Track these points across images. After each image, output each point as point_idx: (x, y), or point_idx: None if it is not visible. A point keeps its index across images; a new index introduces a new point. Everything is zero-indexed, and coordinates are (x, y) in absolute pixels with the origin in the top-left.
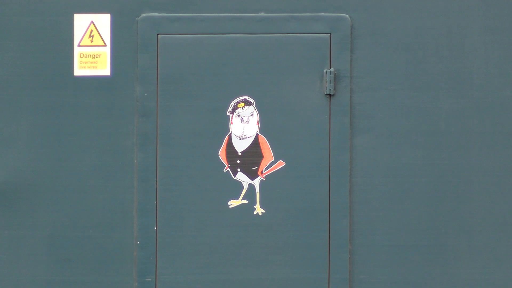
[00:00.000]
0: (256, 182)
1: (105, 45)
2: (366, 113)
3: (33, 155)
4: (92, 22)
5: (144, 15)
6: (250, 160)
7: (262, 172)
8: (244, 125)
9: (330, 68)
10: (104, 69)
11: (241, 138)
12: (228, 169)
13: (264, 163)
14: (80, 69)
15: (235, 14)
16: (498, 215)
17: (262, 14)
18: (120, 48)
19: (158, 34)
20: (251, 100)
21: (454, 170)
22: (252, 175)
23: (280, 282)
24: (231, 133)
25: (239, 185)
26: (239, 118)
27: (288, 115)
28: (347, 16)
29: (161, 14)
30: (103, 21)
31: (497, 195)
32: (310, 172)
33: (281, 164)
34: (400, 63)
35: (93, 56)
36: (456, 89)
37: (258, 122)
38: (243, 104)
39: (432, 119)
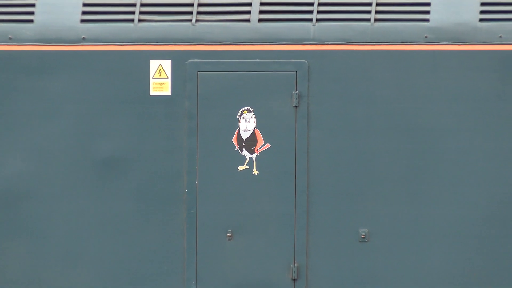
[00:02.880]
0: (254, 156)
1: (168, 77)
2: (317, 117)
3: (126, 143)
4: (160, 64)
5: (190, 60)
6: (250, 143)
7: (257, 150)
8: (247, 124)
9: (296, 91)
10: (167, 91)
11: (245, 131)
12: (238, 148)
13: (258, 145)
14: (153, 91)
15: (241, 60)
16: (391, 174)
17: (257, 60)
18: (176, 79)
19: (198, 72)
20: (251, 109)
21: (364, 152)
22: (251, 152)
23: (267, 213)
24: (239, 128)
25: (244, 158)
26: (244, 119)
27: (272, 118)
28: (306, 61)
29: (200, 60)
30: (166, 64)
31: (394, 166)
32: (284, 151)
33: (267, 146)
34: (336, 88)
35: (161, 84)
36: (368, 102)
37: (255, 122)
38: (246, 111)
39: (353, 120)
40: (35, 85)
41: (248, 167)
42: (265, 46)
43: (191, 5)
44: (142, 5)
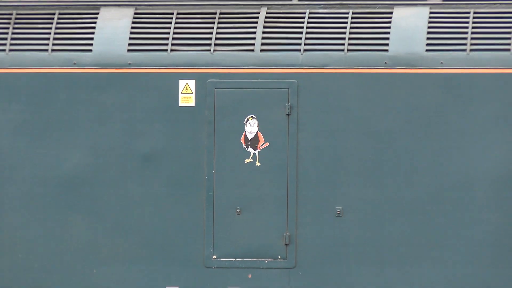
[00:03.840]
0: (256, 152)
1: (192, 93)
2: (304, 123)
3: (161, 142)
4: (187, 83)
5: (209, 80)
6: (254, 142)
7: (259, 147)
8: (252, 127)
9: (288, 103)
10: (191, 103)
11: (250, 133)
12: (244, 146)
13: (260, 143)
14: (181, 103)
15: (247, 80)
16: (359, 165)
17: (259, 80)
18: (199, 94)
19: (215, 88)
20: (255, 116)
21: (339, 149)
22: (255, 148)
23: (267, 195)
24: (245, 131)
25: (249, 153)
26: (249, 124)
27: (270, 123)
28: (295, 81)
29: (216, 80)
30: (191, 83)
31: (361, 160)
32: (280, 148)
33: (267, 144)
34: (319, 101)
35: (187, 97)
36: (342, 112)
37: (257, 126)
38: (251, 118)
39: (331, 125)
40: (92, 99)
41: (252, 160)
42: (265, 69)
43: (210, 38)
44: (173, 38)
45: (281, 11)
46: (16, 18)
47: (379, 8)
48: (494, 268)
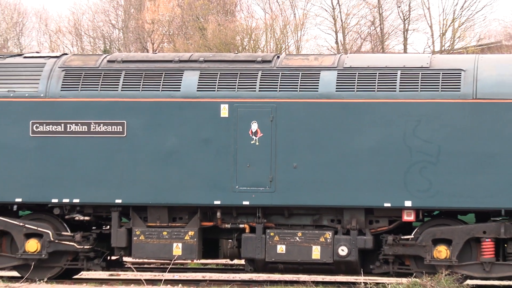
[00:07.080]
0: (257, 138)
1: (227, 110)
2: (280, 124)
3: (211, 134)
4: (224, 106)
5: (235, 104)
6: (255, 133)
7: (258, 136)
8: (254, 126)
9: (272, 115)
10: (226, 115)
11: (254, 129)
12: (251, 135)
13: (258, 134)
14: (221, 115)
15: (253, 104)
16: (305, 143)
17: (258, 104)
18: (230, 111)
19: (238, 108)
20: (256, 121)
21: (297, 136)
22: (256, 136)
23: (262, 158)
24: (251, 128)
25: (253, 138)
26: (253, 125)
27: (263, 124)
28: (275, 105)
29: (238, 104)
30: (226, 106)
31: (308, 141)
32: (268, 136)
33: (262, 134)
34: (286, 115)
35: (224, 112)
36: (297, 120)
37: (257, 125)
38: (254, 122)
39: (292, 125)
40: (180, 113)
41: (255, 141)
42: (261, 99)
43: (235, 84)
44: (218, 85)
45: (268, 72)
46: (144, 75)
47: (313, 71)
48: (371, 192)
